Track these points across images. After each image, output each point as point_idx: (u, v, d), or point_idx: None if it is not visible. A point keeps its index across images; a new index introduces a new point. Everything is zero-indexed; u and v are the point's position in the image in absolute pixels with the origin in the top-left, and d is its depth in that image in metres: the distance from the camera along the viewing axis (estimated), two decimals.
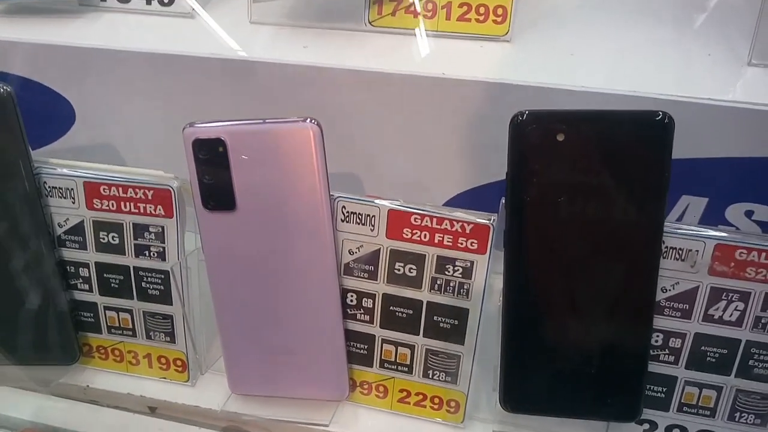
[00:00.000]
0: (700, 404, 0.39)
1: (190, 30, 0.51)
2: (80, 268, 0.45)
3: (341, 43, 0.48)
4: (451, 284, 0.39)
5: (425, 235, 0.39)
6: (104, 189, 0.43)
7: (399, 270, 0.40)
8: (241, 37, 0.49)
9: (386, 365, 0.43)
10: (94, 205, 0.43)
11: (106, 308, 0.46)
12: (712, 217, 0.45)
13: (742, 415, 0.39)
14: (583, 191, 0.36)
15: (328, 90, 0.46)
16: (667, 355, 0.39)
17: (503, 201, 0.37)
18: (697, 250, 0.37)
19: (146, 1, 0.53)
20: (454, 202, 0.49)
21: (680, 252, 0.37)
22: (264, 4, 0.50)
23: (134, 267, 0.44)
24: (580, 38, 0.47)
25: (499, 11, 0.46)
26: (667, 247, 0.37)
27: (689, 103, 0.40)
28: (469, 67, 0.44)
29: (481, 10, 0.47)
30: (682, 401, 0.40)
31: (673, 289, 0.38)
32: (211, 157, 0.39)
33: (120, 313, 0.46)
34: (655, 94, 0.41)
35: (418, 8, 0.48)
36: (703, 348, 0.38)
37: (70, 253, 0.45)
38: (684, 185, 0.44)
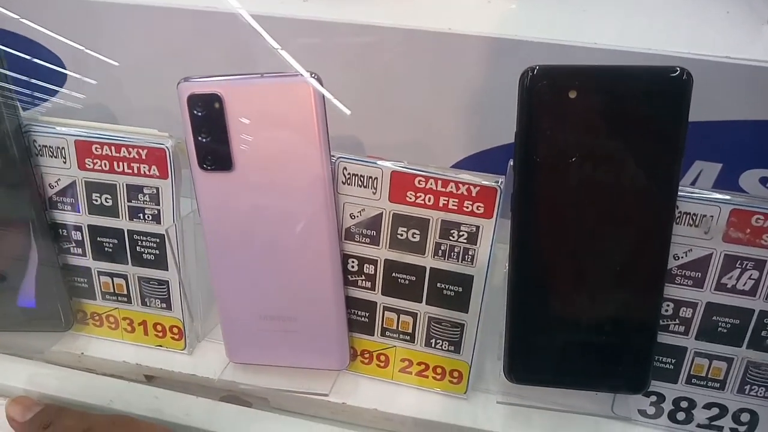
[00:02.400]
0: (709, 376, 0.38)
1: None
2: (73, 231, 0.44)
3: None
4: (456, 250, 0.38)
5: (429, 199, 0.38)
6: (96, 148, 0.41)
7: (402, 235, 0.39)
8: None
9: (388, 334, 0.41)
10: (86, 165, 0.42)
11: (99, 273, 0.45)
12: (726, 183, 0.44)
13: (753, 387, 0.38)
14: (595, 152, 0.34)
15: (329, 45, 0.44)
16: (677, 326, 0.37)
17: (511, 162, 0.36)
18: (712, 216, 0.35)
19: None
20: (460, 166, 0.47)
21: (694, 217, 0.35)
22: None
23: (128, 230, 0.43)
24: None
25: None
26: (680, 212, 0.35)
27: (705, 61, 0.39)
28: (477, 23, 0.42)
29: None
30: (692, 373, 0.38)
31: (686, 256, 0.36)
32: (207, 113, 0.37)
33: (114, 278, 0.44)
34: (670, 52, 0.39)
35: None
36: (714, 318, 0.37)
37: (61, 216, 0.44)
38: (698, 150, 0.43)
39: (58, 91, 0.53)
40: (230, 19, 0.45)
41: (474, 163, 0.47)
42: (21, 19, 0.49)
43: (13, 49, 0.47)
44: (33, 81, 0.52)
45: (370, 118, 0.47)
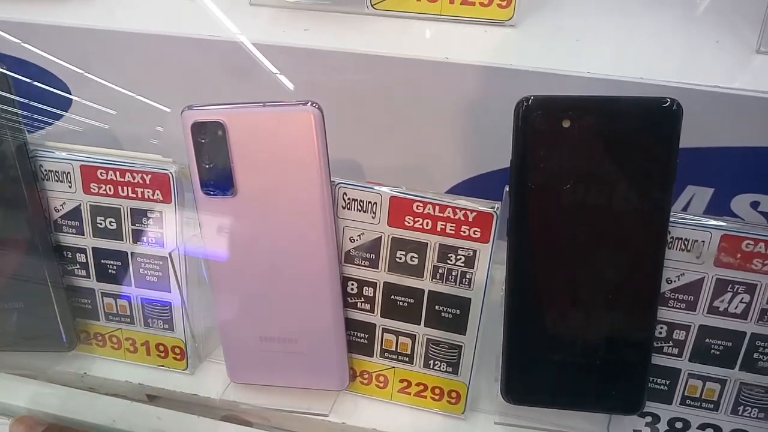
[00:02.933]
0: (703, 397, 0.39)
1: (190, 10, 0.50)
2: (77, 254, 0.45)
3: (343, 26, 0.47)
4: (454, 273, 0.39)
5: (427, 223, 0.38)
6: (101, 173, 0.42)
7: (400, 258, 0.39)
8: (241, 19, 0.49)
9: (387, 355, 0.42)
10: (91, 190, 0.43)
11: (103, 294, 0.45)
12: (718, 207, 0.44)
13: (746, 408, 0.39)
14: (589, 179, 0.35)
15: (329, 73, 0.45)
16: (671, 348, 0.38)
17: (507, 188, 0.37)
18: (703, 241, 0.36)
19: None
20: (457, 190, 0.48)
21: (686, 242, 0.36)
22: None
23: (132, 253, 0.44)
24: (586, 24, 0.46)
25: None
26: (672, 237, 0.36)
27: (696, 90, 0.40)
28: (473, 52, 0.43)
29: None
30: (686, 394, 0.39)
31: (678, 280, 0.37)
32: (210, 140, 0.38)
33: (117, 299, 0.45)
34: (662, 81, 0.40)
35: None
36: (707, 340, 0.38)
37: (66, 238, 0.44)
38: (690, 175, 0.44)
39: (63, 115, 0.54)
40: (232, 48, 0.46)
41: (470, 186, 0.48)
42: (26, 45, 0.50)
43: (19, 74, 0.48)
44: (39, 105, 0.53)
45: (370, 144, 0.48)
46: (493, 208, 0.37)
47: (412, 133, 0.47)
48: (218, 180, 0.39)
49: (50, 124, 0.54)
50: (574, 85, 0.41)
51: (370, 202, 0.39)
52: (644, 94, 0.40)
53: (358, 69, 0.44)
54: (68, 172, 0.43)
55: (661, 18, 0.48)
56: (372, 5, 0.48)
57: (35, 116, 0.52)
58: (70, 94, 0.53)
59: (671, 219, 0.35)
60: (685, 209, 0.45)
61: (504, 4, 0.46)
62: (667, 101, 0.34)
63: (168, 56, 0.48)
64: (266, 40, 0.46)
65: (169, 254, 0.42)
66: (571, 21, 0.47)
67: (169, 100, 0.50)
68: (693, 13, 0.48)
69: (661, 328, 0.38)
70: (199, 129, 0.38)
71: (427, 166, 0.48)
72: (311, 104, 0.37)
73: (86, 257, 0.44)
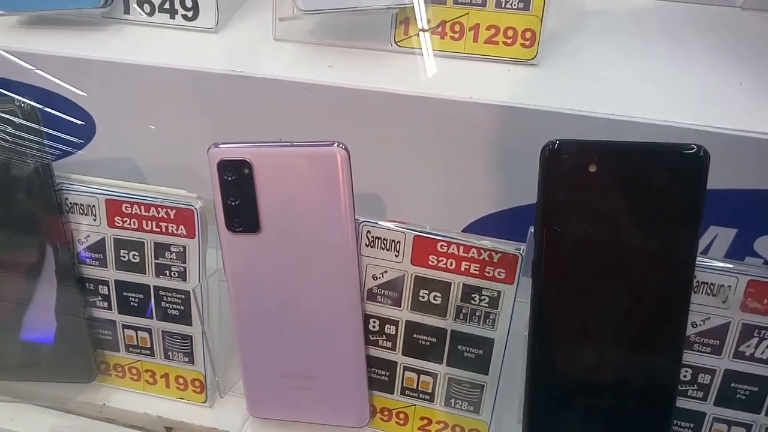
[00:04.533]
0: None
1: (214, 45, 0.51)
2: (100, 286, 0.45)
3: (367, 63, 0.47)
4: (477, 313, 0.39)
5: (451, 263, 0.38)
6: (126, 207, 0.43)
7: (423, 297, 0.40)
8: (266, 55, 0.49)
9: (408, 392, 0.42)
10: (116, 223, 0.43)
11: (124, 326, 0.45)
12: (741, 248, 0.44)
13: None
14: (614, 224, 0.35)
15: (353, 110, 0.46)
16: (695, 391, 0.38)
17: (532, 230, 0.37)
18: (729, 286, 0.36)
19: (170, 15, 0.53)
20: (478, 224, 0.48)
21: (712, 287, 0.36)
22: (289, 21, 0.49)
23: (154, 286, 0.44)
24: (610, 64, 0.47)
25: (528, 35, 0.46)
26: (698, 281, 0.36)
27: (720, 133, 0.40)
28: (497, 91, 0.43)
29: (509, 33, 0.46)
30: None
31: (704, 324, 0.37)
32: (236, 178, 0.38)
33: (138, 331, 0.45)
34: (685, 124, 0.40)
35: (446, 30, 0.47)
36: (733, 385, 0.37)
37: (89, 270, 0.45)
38: (713, 215, 0.43)
39: (86, 144, 0.54)
40: (257, 83, 0.46)
41: (491, 221, 0.48)
42: (52, 77, 0.51)
43: (44, 104, 0.49)
44: (62, 135, 0.54)
45: (392, 180, 0.48)
46: (518, 249, 0.37)
47: (435, 170, 0.47)
48: (243, 217, 0.39)
49: (73, 152, 0.55)
50: (597, 127, 0.41)
51: (393, 241, 0.39)
52: (667, 136, 0.41)
53: (382, 107, 0.45)
54: (93, 206, 0.43)
55: (683, 58, 0.48)
56: (396, 42, 0.48)
57: (59, 145, 0.52)
58: (94, 124, 0.53)
59: (697, 263, 0.35)
60: (707, 249, 0.45)
61: (527, 43, 0.46)
62: (694, 148, 0.34)
63: (192, 90, 0.49)
64: (290, 76, 0.46)
65: (192, 290, 0.42)
66: (594, 61, 0.47)
67: (191, 133, 0.51)
68: (715, 54, 0.48)
69: (686, 371, 0.38)
70: (226, 167, 0.38)
71: (449, 202, 0.48)
72: (338, 144, 0.37)
73: (108, 289, 0.45)
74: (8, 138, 0.42)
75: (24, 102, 0.42)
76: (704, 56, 0.48)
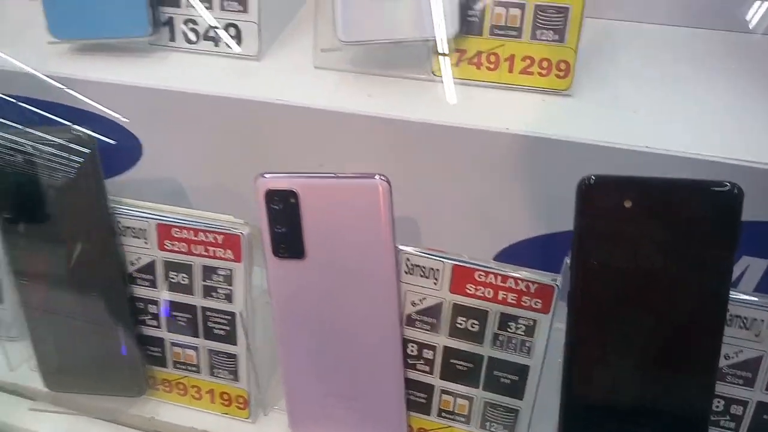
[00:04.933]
0: None
1: (257, 73, 0.53)
2: (149, 305, 0.47)
3: (404, 93, 0.49)
4: (513, 341, 0.40)
5: (489, 292, 0.40)
6: (176, 231, 0.45)
7: (461, 324, 0.41)
8: (306, 83, 0.51)
9: (444, 414, 0.44)
10: (166, 246, 0.45)
11: (172, 344, 0.48)
12: None
13: None
14: (649, 258, 0.36)
15: (391, 139, 0.47)
16: (727, 422, 0.39)
17: (567, 261, 0.38)
18: (762, 320, 0.37)
19: (214, 42, 0.55)
20: (512, 250, 0.50)
21: (745, 320, 0.37)
22: (329, 51, 0.51)
23: (201, 307, 0.46)
24: (643, 95, 0.47)
25: (562, 66, 0.47)
26: (731, 315, 0.37)
27: (753, 168, 0.41)
28: (532, 122, 0.44)
29: (544, 64, 0.47)
30: None
31: (737, 356, 0.38)
32: (282, 207, 0.40)
33: (186, 349, 0.47)
34: (719, 157, 0.41)
35: (482, 60, 0.49)
36: (765, 417, 0.38)
37: (140, 290, 0.47)
38: (746, 246, 0.44)
39: (132, 165, 0.57)
40: (296, 112, 0.48)
41: (526, 247, 0.49)
42: (99, 105, 0.53)
43: (93, 126, 0.51)
44: (110, 156, 0.56)
45: (431, 205, 0.50)
46: (554, 280, 0.39)
47: (471, 196, 0.48)
48: (289, 244, 0.41)
49: (120, 173, 0.57)
50: (630, 159, 0.42)
51: (432, 269, 0.41)
52: (701, 169, 0.41)
53: (420, 136, 0.46)
54: (144, 229, 0.45)
55: (717, 88, 0.48)
56: (433, 72, 0.49)
57: (105, 165, 0.55)
58: (140, 147, 0.56)
59: (731, 297, 0.36)
60: (739, 279, 0.46)
61: (562, 74, 0.47)
62: (727, 186, 0.35)
63: (234, 117, 0.51)
64: (331, 106, 0.48)
65: (239, 312, 0.44)
66: (628, 92, 0.48)
67: (233, 159, 0.53)
68: (748, 82, 0.49)
69: (719, 402, 0.39)
70: (273, 196, 0.40)
71: (484, 227, 0.49)
72: (379, 177, 0.39)
73: (158, 309, 0.47)
74: (67, 164, 0.44)
75: (81, 131, 0.44)
76: (736, 85, 0.48)
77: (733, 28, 0.56)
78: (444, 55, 0.49)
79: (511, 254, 0.50)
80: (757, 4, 0.53)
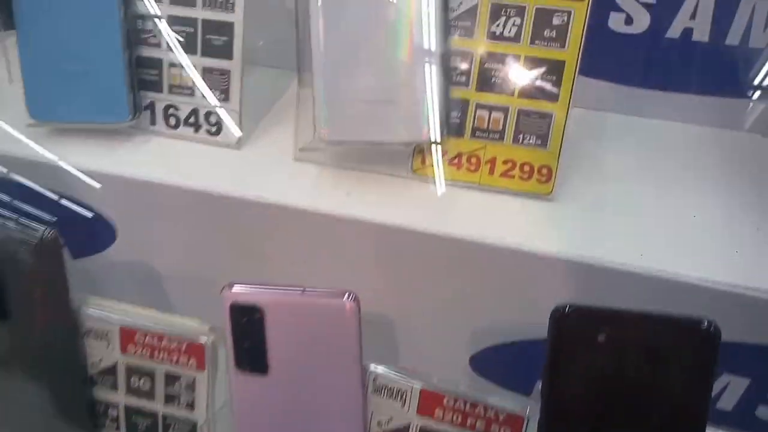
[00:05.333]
0: None
1: (234, 164, 0.52)
2: (109, 409, 0.45)
3: (384, 193, 0.48)
4: None
5: (457, 417, 0.38)
6: (139, 337, 0.43)
7: None
8: (284, 178, 0.50)
9: None
10: (128, 350, 0.44)
11: None
12: (754, 397, 0.44)
13: None
14: (622, 392, 0.35)
15: (367, 242, 0.46)
16: None
17: (539, 385, 0.36)
18: None
19: (194, 129, 0.55)
20: (490, 352, 0.48)
21: None
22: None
23: (162, 414, 0.44)
24: (626, 205, 0.46)
25: (544, 171, 0.46)
26: None
27: (731, 293, 0.40)
28: (510, 231, 0.43)
29: (526, 168, 0.47)
30: None
31: None
32: (247, 320, 0.39)
33: None
34: (698, 280, 0.40)
35: (462, 161, 0.48)
36: None
37: (100, 393, 0.45)
38: (727, 364, 0.43)
39: (105, 248, 0.56)
40: (274, 210, 0.47)
41: (495, 352, 0.48)
42: (76, 188, 0.53)
43: (67, 209, 0.50)
44: (82, 237, 0.55)
45: (405, 308, 0.48)
46: (525, 410, 0.37)
47: (447, 301, 0.47)
48: (252, 358, 0.39)
49: (92, 254, 0.56)
50: (611, 278, 0.41)
51: (400, 390, 0.39)
52: (678, 291, 0.40)
53: (398, 241, 0.45)
54: (108, 331, 0.44)
55: (704, 195, 0.47)
56: (413, 170, 0.49)
57: (78, 247, 0.54)
58: (114, 230, 0.54)
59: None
60: (719, 395, 0.44)
61: (543, 179, 0.46)
62: (705, 323, 0.33)
63: (210, 211, 0.50)
64: (307, 205, 0.47)
65: (200, 426, 0.43)
66: (611, 197, 0.47)
67: (206, 252, 0.52)
68: (737, 189, 0.48)
69: None
70: (238, 310, 0.39)
71: (456, 335, 0.48)
72: (348, 295, 0.38)
73: (117, 413, 0.45)
74: (30, 263, 0.43)
75: (47, 231, 0.43)
76: (725, 192, 0.47)
77: (729, 125, 0.54)
78: (423, 154, 0.48)
79: (488, 357, 0.48)
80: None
